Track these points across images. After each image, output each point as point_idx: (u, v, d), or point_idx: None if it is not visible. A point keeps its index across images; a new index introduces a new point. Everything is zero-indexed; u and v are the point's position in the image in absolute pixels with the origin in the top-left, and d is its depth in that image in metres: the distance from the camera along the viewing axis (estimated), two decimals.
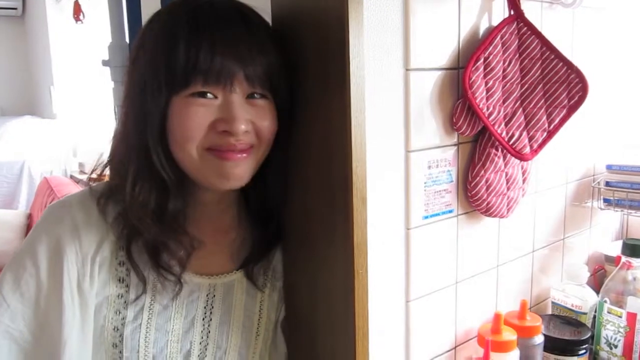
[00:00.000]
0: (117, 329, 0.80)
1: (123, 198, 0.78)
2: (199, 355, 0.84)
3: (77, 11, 2.91)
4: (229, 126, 0.73)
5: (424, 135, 0.84)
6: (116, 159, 0.81)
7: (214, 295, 0.85)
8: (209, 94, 0.73)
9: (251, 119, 0.76)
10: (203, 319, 0.84)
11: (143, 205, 0.77)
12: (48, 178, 3.26)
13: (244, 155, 0.77)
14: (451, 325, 0.94)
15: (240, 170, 0.77)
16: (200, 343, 0.84)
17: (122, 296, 0.80)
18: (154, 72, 0.73)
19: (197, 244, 0.83)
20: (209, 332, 0.85)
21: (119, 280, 0.80)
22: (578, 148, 1.15)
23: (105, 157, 0.84)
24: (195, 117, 0.73)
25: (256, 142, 0.78)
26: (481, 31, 0.90)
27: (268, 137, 0.79)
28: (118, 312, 0.80)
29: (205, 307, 0.85)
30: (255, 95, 0.76)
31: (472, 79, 0.85)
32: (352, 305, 0.76)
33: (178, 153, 0.76)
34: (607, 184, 1.21)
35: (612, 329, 1.01)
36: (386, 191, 0.81)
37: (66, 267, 0.77)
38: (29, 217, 3.21)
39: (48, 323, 0.77)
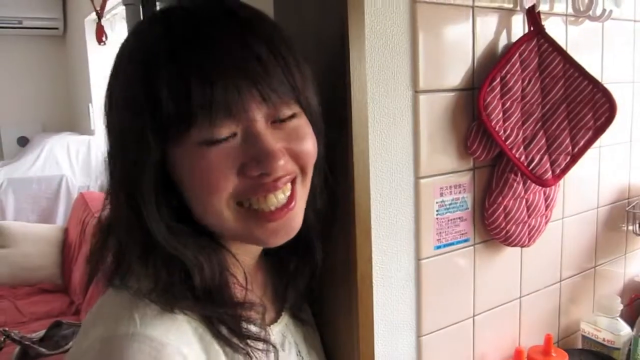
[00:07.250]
0: None
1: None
2: None
3: (100, 34, 2.97)
4: (263, 167, 0.56)
5: (435, 160, 0.79)
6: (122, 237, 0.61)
7: (291, 342, 0.72)
8: (222, 136, 0.55)
9: (286, 146, 0.58)
10: None
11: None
12: (84, 193, 3.31)
13: (292, 205, 0.60)
14: None
15: (294, 221, 0.62)
16: None
17: None
18: (135, 121, 0.56)
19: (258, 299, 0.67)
20: None
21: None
22: (610, 169, 1.07)
23: None
24: (212, 173, 0.56)
25: (298, 170, 0.61)
26: (499, 49, 0.85)
27: (311, 161, 0.62)
28: None
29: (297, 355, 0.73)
30: (281, 116, 0.59)
31: (488, 100, 0.80)
32: (357, 342, 0.71)
33: (203, 219, 0.60)
34: None
35: None
36: (394, 221, 0.77)
37: None
38: (65, 231, 3.26)
39: None
